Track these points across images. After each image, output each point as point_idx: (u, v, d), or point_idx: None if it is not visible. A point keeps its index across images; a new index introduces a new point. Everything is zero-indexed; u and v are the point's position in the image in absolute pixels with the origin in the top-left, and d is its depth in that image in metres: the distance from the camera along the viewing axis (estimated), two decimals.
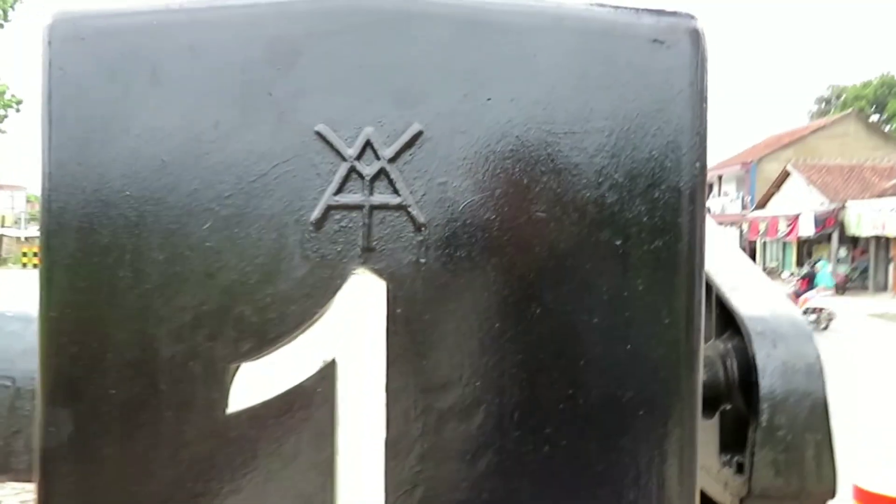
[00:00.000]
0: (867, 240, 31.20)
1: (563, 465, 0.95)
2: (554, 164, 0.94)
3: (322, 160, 0.93)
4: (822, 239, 33.53)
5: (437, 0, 0.96)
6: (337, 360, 0.94)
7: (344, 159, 0.93)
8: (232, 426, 0.94)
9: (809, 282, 20.20)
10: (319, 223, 0.93)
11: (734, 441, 1.30)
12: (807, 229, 32.45)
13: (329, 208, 0.93)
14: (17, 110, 22.31)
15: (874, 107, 55.67)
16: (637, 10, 0.97)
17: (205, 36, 0.95)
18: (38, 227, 0.99)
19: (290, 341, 0.94)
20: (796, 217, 33.07)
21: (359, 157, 0.93)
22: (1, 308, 1.28)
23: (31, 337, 1.12)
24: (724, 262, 1.46)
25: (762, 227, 36.26)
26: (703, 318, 0.99)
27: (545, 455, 0.95)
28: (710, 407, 1.30)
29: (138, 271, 0.94)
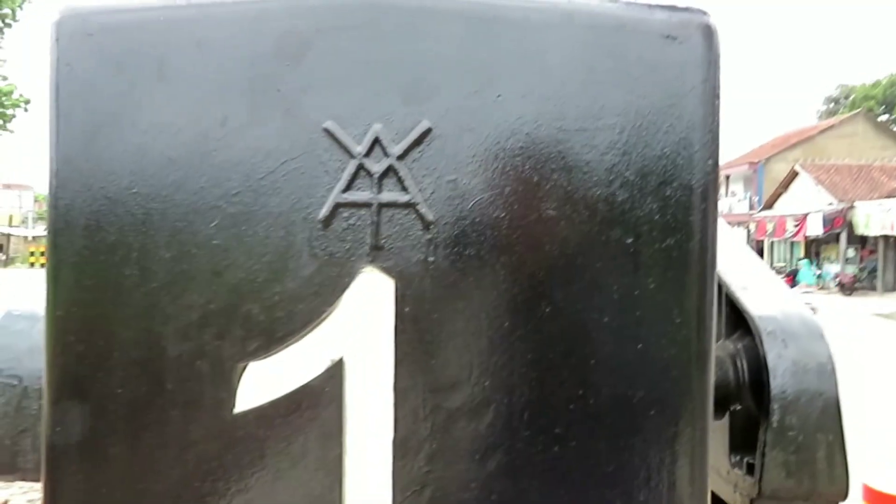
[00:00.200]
0: (876, 240, 31.03)
1: (572, 466, 0.94)
2: (564, 161, 0.93)
3: (330, 157, 0.93)
4: (831, 239, 33.37)
5: None
6: (345, 359, 0.93)
7: (352, 156, 0.92)
8: (239, 425, 0.93)
9: (793, 279, 20.53)
10: (327, 221, 0.93)
11: (744, 442, 1.28)
12: (815, 229, 32.30)
13: (337, 206, 0.92)
14: (25, 110, 22.41)
15: (883, 106, 55.38)
16: (649, 5, 0.95)
17: (212, 31, 0.95)
18: (45, 226, 0.99)
19: (297, 340, 0.93)
20: (804, 217, 32.92)
21: (367, 155, 0.92)
22: (8, 307, 1.27)
23: (37, 335, 1.12)
24: (734, 261, 1.45)
25: (770, 227, 36.11)
26: (715, 317, 0.98)
27: (555, 455, 0.94)
28: (720, 407, 1.29)
29: (145, 269, 0.93)
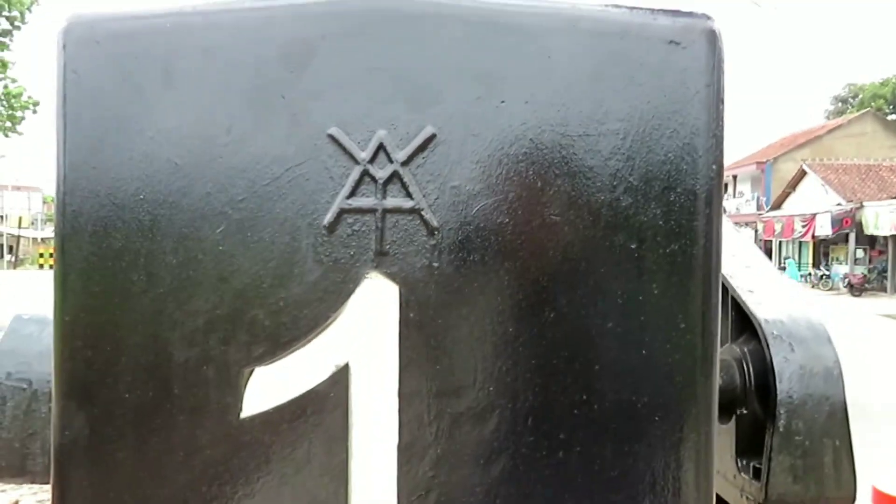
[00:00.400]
0: (885, 240, 30.85)
1: (577, 471, 0.94)
2: (568, 166, 0.93)
3: (335, 163, 0.93)
4: (839, 239, 33.21)
5: (450, 2, 0.96)
6: (350, 365, 0.93)
7: (357, 162, 0.93)
8: (245, 430, 0.94)
9: None
10: (332, 227, 0.93)
11: (751, 446, 1.28)
12: (823, 229, 32.14)
13: (342, 212, 0.93)
14: (34, 112, 22.54)
15: (892, 106, 55.04)
16: (653, 10, 0.95)
17: (218, 38, 0.95)
18: (53, 229, 0.99)
19: (303, 345, 0.93)
20: (812, 217, 32.77)
21: (372, 161, 0.93)
22: (17, 311, 1.28)
23: (46, 339, 1.12)
24: (740, 263, 1.45)
25: (777, 227, 35.95)
26: (720, 322, 0.98)
27: (559, 460, 0.94)
28: (726, 411, 1.28)
29: (152, 275, 0.94)
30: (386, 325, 0.93)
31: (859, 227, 31.02)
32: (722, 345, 1.32)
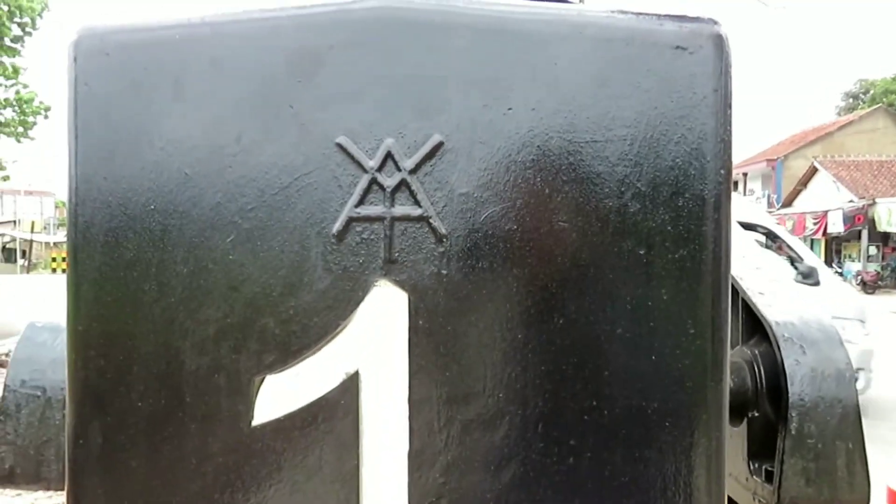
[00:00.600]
0: None
1: (587, 477, 0.94)
2: (576, 173, 0.94)
3: (343, 172, 0.94)
4: (852, 237, 32.94)
5: (456, 9, 0.96)
6: (360, 372, 0.94)
7: (365, 171, 0.93)
8: (257, 438, 0.94)
9: None
10: (341, 235, 0.93)
11: (763, 448, 1.28)
12: (835, 227, 31.90)
13: (350, 220, 0.93)
14: (46, 117, 22.72)
15: None
16: (659, 16, 0.95)
17: (227, 49, 0.96)
18: (65, 234, 1.00)
19: (313, 353, 0.94)
20: (824, 214, 32.53)
21: (380, 169, 0.93)
22: (31, 318, 1.30)
23: (60, 347, 1.14)
24: (750, 265, 1.44)
25: (789, 225, 35.70)
26: (729, 327, 0.98)
27: (570, 467, 0.94)
28: (737, 414, 1.28)
29: (163, 285, 0.95)
30: (395, 332, 0.94)
31: (872, 223, 30.76)
32: (732, 347, 1.32)
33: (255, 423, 0.94)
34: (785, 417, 1.19)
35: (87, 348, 0.96)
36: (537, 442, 0.94)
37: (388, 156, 0.93)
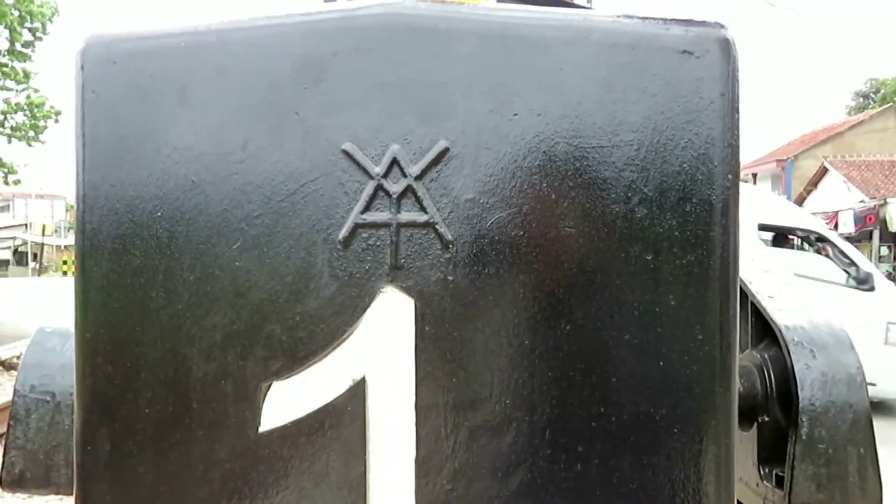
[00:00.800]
0: None
1: (595, 484, 0.94)
2: (582, 178, 0.93)
3: (349, 178, 0.94)
4: (863, 237, 32.69)
5: (461, 15, 0.96)
6: (367, 378, 0.94)
7: (371, 177, 0.93)
8: (264, 444, 0.94)
9: None
10: (347, 241, 0.93)
11: (773, 453, 1.27)
12: (846, 227, 31.67)
13: (356, 226, 0.93)
14: (56, 121, 22.87)
15: None
16: (665, 20, 0.95)
17: (232, 56, 0.96)
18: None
19: (320, 360, 0.94)
20: (835, 215, 32.29)
21: (385, 175, 0.93)
22: (41, 323, 1.30)
23: (69, 352, 1.14)
24: (759, 268, 1.43)
25: None
26: (738, 333, 0.97)
27: (578, 473, 0.93)
28: (747, 419, 1.27)
29: (170, 291, 0.95)
30: (402, 338, 0.93)
31: (883, 224, 30.51)
32: (742, 351, 1.31)
33: (261, 429, 0.94)
34: (795, 422, 1.18)
35: (94, 355, 0.96)
36: (545, 448, 0.93)
37: (394, 162, 0.93)
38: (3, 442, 1.20)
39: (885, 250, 32.00)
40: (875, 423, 1.22)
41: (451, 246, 0.93)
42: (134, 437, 0.96)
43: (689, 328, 0.93)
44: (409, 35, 0.95)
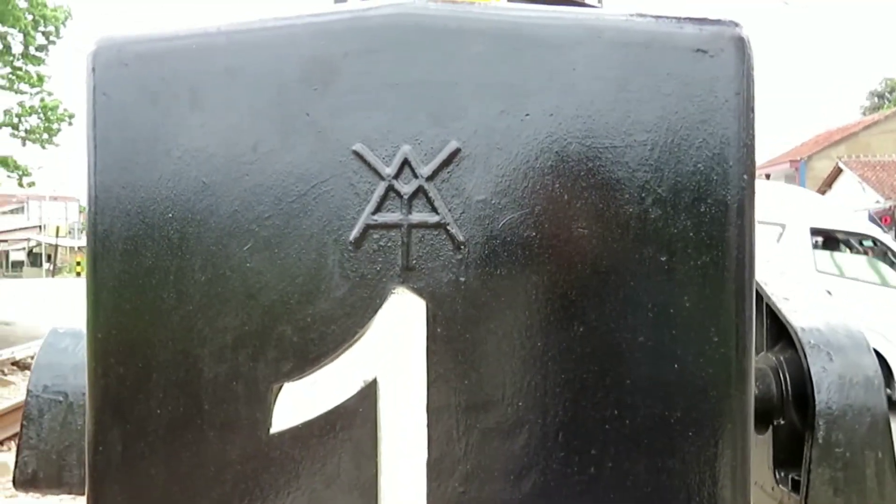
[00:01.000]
0: None
1: (609, 488, 0.93)
2: (595, 179, 0.92)
3: (360, 179, 0.93)
4: None
5: (472, 15, 0.95)
6: (378, 380, 0.93)
7: (382, 178, 0.93)
8: (275, 446, 0.94)
9: None
10: (358, 242, 0.93)
11: (789, 457, 1.25)
12: None
13: (368, 227, 0.93)
14: (70, 124, 23.07)
15: None
16: (679, 19, 0.94)
17: (243, 58, 0.96)
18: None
19: (331, 361, 0.93)
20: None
21: (396, 176, 0.93)
22: (54, 324, 1.31)
23: (81, 353, 1.15)
24: (774, 269, 1.42)
25: None
26: (754, 334, 0.96)
27: (591, 477, 0.93)
28: (762, 422, 1.26)
29: (181, 292, 0.95)
30: (413, 340, 0.93)
31: None
32: (757, 353, 1.29)
33: (272, 430, 0.94)
34: (812, 426, 1.16)
35: (106, 356, 0.97)
36: (558, 451, 0.92)
37: (405, 163, 0.93)
38: (16, 441, 1.20)
39: None
40: None
41: (462, 247, 0.92)
42: (145, 437, 0.96)
43: (704, 330, 0.92)
44: (419, 35, 0.94)
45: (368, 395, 0.93)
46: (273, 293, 0.94)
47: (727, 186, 0.92)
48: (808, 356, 1.20)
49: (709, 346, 0.92)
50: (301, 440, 0.94)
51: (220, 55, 0.96)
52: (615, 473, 0.93)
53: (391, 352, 0.93)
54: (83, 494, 1.06)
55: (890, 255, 8.30)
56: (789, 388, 1.23)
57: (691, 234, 0.92)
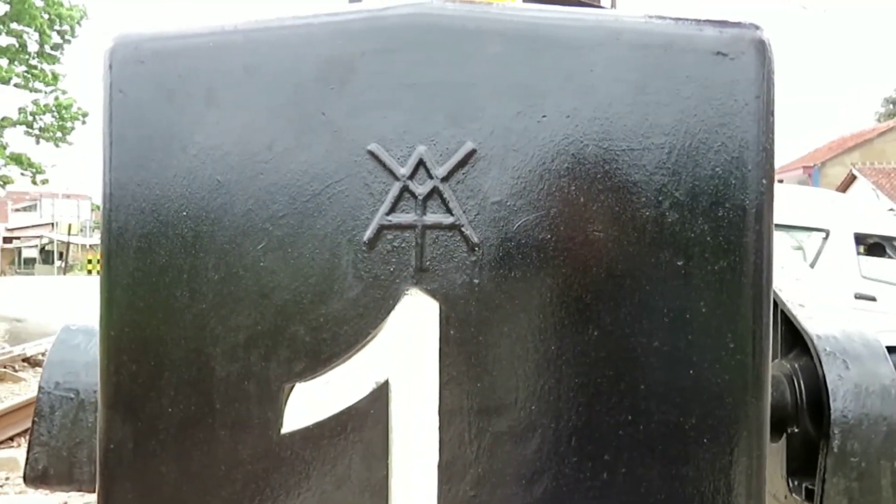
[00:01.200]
0: None
1: (622, 494, 0.92)
2: (612, 181, 0.92)
3: (375, 179, 0.93)
4: None
5: (489, 16, 0.95)
6: (390, 381, 0.93)
7: (397, 178, 0.92)
8: (286, 446, 0.94)
9: None
10: (372, 243, 0.93)
11: (802, 465, 1.24)
12: None
13: (382, 228, 0.92)
14: (83, 122, 23.24)
15: None
16: (698, 21, 0.93)
17: (259, 56, 0.96)
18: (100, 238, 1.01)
19: (343, 362, 0.93)
20: None
21: (411, 177, 0.92)
22: (66, 322, 1.31)
23: (93, 350, 1.15)
24: (789, 276, 1.40)
25: None
26: (771, 340, 0.95)
27: (604, 482, 0.92)
28: (776, 429, 1.24)
29: (194, 291, 0.95)
30: (426, 341, 0.92)
31: None
32: (772, 360, 1.28)
33: (284, 430, 0.94)
34: (827, 434, 1.15)
35: (119, 353, 0.97)
36: (570, 456, 0.92)
37: (420, 163, 0.92)
38: (27, 438, 1.20)
39: None
40: None
41: (477, 248, 0.92)
42: (157, 435, 0.96)
43: (720, 336, 0.91)
44: (436, 36, 0.94)
45: (380, 396, 0.93)
46: (286, 293, 0.94)
47: (746, 191, 0.91)
48: (823, 364, 1.19)
49: (725, 351, 0.91)
50: (312, 440, 0.93)
51: (237, 53, 0.96)
52: (628, 480, 0.92)
53: (404, 353, 0.93)
54: (93, 491, 1.06)
55: None
56: (804, 395, 1.21)
57: (709, 238, 0.91)
